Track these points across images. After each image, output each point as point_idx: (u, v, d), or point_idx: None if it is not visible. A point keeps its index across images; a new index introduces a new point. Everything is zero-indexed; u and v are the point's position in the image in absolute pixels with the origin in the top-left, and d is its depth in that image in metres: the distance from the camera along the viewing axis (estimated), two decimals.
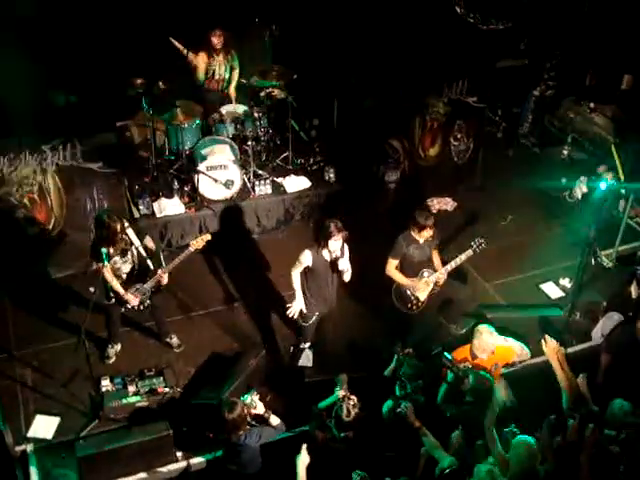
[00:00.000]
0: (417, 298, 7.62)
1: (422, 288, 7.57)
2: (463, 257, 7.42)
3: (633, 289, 8.63)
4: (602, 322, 8.15)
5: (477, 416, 5.90)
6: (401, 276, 7.54)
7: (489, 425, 5.74)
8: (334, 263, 7.06)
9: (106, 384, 7.34)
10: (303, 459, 5.68)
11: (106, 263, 6.90)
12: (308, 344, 7.66)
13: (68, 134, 8.39)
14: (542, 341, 6.48)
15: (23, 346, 7.90)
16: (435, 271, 7.54)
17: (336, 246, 6.96)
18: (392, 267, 7.53)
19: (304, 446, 5.73)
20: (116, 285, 7.18)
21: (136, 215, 9.22)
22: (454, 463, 5.41)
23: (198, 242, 7.26)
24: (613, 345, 7.04)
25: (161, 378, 7.45)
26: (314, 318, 7.40)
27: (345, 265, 7.09)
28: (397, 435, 6.10)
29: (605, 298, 8.46)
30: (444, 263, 7.56)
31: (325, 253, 7.04)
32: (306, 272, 7.16)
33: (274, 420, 6.13)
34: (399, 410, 6.03)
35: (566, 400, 6.18)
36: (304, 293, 7.29)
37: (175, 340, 7.98)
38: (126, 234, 7.04)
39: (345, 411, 5.95)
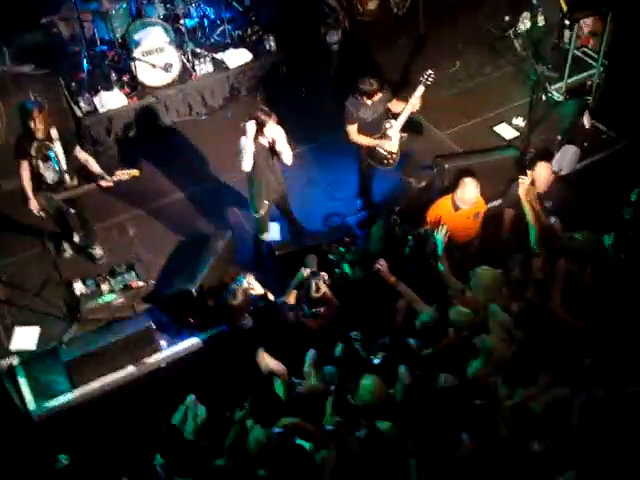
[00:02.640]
0: (390, 152, 7.59)
1: (389, 141, 7.52)
2: (417, 94, 7.27)
3: (585, 120, 8.72)
4: (558, 156, 8.25)
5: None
6: (365, 138, 7.47)
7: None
8: (272, 147, 6.96)
9: (79, 287, 7.34)
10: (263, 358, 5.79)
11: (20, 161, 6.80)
12: (266, 234, 7.63)
13: None
14: (519, 180, 6.62)
15: None
16: (396, 120, 7.46)
17: (271, 131, 6.85)
18: (353, 132, 7.44)
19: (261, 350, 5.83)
20: (27, 185, 6.98)
21: (78, 114, 8.94)
22: (435, 316, 5.56)
23: (124, 174, 7.03)
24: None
25: (133, 273, 7.47)
26: (263, 209, 7.33)
27: (283, 147, 6.99)
28: (372, 294, 6.25)
29: (560, 132, 8.51)
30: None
31: (262, 140, 6.92)
32: None
33: (271, 296, 6.40)
34: (375, 267, 6.12)
35: (534, 236, 6.35)
36: (249, 185, 7.25)
37: (98, 251, 7.81)
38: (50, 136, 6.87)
39: (314, 286, 6.02)
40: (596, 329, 5.13)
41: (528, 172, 6.90)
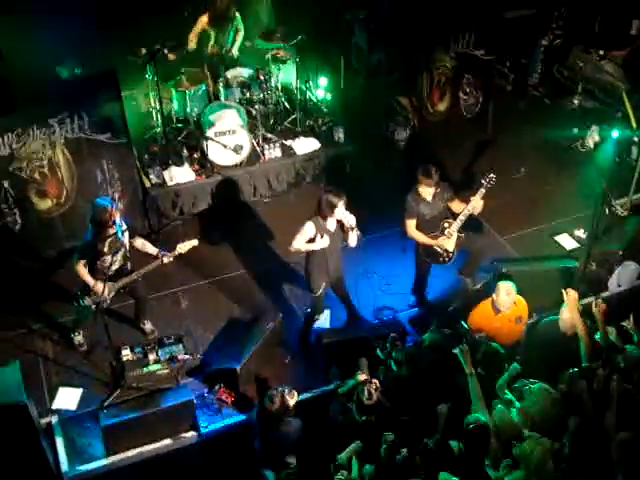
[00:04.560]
0: (446, 250, 7.62)
1: (446, 240, 7.55)
2: (477, 197, 7.31)
3: None
4: (618, 271, 8.13)
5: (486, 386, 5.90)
6: (422, 235, 7.51)
7: (502, 388, 5.79)
8: (342, 228, 7.02)
9: (126, 353, 7.37)
10: None
11: (82, 260, 6.94)
12: (323, 315, 7.64)
13: (74, 106, 8.34)
14: (564, 292, 6.47)
15: (41, 320, 7.98)
16: (455, 220, 7.50)
17: (341, 213, 6.92)
18: (412, 228, 7.49)
19: None
20: (88, 278, 7.02)
21: (147, 185, 9.21)
22: (479, 420, 5.41)
23: (184, 247, 7.09)
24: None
25: (180, 345, 7.45)
26: (322, 289, 7.35)
27: (354, 223, 6.99)
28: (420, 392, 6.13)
29: (621, 247, 8.41)
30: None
31: (329, 223, 7.01)
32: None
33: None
34: (455, 350, 5.99)
35: (584, 350, 6.19)
36: (307, 265, 7.27)
37: (148, 326, 7.88)
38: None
39: (366, 394, 5.94)
40: None
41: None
